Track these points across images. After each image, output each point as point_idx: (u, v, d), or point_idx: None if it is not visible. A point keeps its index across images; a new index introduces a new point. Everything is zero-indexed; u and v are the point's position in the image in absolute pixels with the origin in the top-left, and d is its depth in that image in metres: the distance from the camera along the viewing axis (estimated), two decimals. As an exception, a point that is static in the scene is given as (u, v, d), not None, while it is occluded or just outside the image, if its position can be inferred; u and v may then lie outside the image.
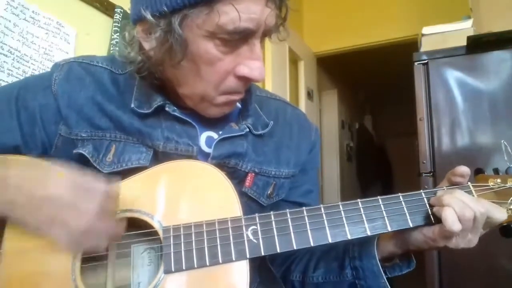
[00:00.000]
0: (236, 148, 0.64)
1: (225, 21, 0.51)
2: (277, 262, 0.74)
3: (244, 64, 0.56)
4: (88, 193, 0.50)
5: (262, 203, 0.67)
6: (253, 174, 0.66)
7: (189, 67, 0.56)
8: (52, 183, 0.50)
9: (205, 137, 0.66)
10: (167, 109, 0.62)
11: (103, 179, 0.52)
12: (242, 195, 0.64)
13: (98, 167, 0.60)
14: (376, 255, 0.61)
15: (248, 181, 0.65)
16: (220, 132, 0.65)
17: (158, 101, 0.62)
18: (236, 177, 0.64)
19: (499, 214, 0.57)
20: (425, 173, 1.60)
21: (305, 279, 0.70)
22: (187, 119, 0.62)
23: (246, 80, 0.58)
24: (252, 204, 0.66)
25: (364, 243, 0.64)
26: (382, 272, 0.61)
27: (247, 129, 0.66)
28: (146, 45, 0.58)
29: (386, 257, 0.64)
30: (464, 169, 0.61)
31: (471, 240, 0.57)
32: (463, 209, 0.54)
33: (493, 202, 0.58)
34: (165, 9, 0.52)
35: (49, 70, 0.68)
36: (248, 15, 0.51)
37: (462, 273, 1.46)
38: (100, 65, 0.67)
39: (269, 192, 0.68)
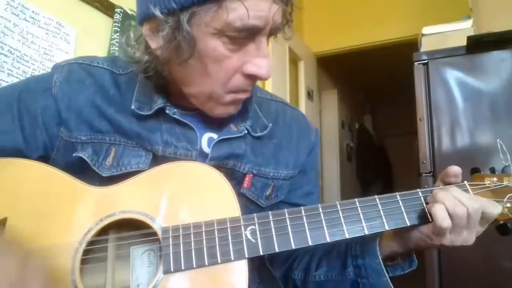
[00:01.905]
0: (234, 149, 0.64)
1: (233, 18, 0.51)
2: (278, 260, 0.74)
3: (251, 62, 0.56)
4: None
5: (261, 204, 0.67)
6: (251, 175, 0.66)
7: (196, 66, 0.56)
8: None
9: (207, 138, 0.66)
10: (167, 111, 0.62)
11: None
12: (241, 196, 0.64)
13: (97, 170, 0.60)
14: (379, 254, 0.61)
15: (246, 182, 0.65)
16: (220, 134, 0.65)
17: (158, 103, 0.62)
18: (234, 178, 0.64)
19: (494, 208, 0.57)
20: (425, 173, 1.60)
21: (307, 277, 0.70)
22: (187, 122, 0.62)
23: (253, 78, 0.58)
24: (250, 206, 0.66)
25: (366, 241, 0.64)
26: (385, 270, 0.61)
27: (246, 131, 0.66)
28: (153, 44, 0.57)
29: (388, 256, 0.64)
30: (456, 169, 0.61)
31: (467, 238, 0.57)
32: (455, 206, 0.55)
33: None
34: (174, 6, 0.52)
35: (49, 70, 0.68)
36: (256, 12, 0.51)
37: (462, 275, 1.46)
38: (101, 65, 0.67)
39: (267, 193, 0.68)
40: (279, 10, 0.54)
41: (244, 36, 0.54)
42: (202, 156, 0.63)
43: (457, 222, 0.55)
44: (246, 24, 0.52)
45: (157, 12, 0.53)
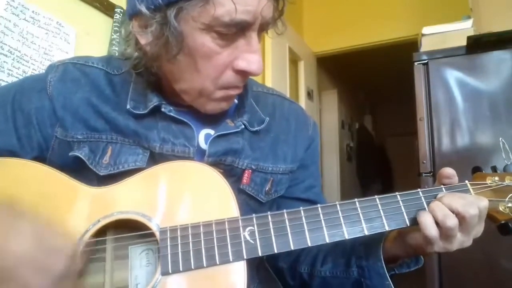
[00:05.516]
0: (231, 145, 0.63)
1: (221, 12, 0.50)
2: (285, 253, 0.74)
3: (241, 58, 0.56)
4: (54, 252, 0.46)
5: (261, 200, 0.67)
6: (250, 171, 0.65)
7: (186, 61, 0.56)
8: (15, 238, 0.45)
9: (204, 134, 0.65)
10: (163, 109, 0.61)
11: (68, 240, 0.49)
12: (240, 192, 0.64)
13: (94, 169, 0.60)
14: (382, 258, 0.61)
15: (246, 178, 0.65)
16: (217, 129, 0.64)
17: (154, 101, 0.62)
18: (233, 174, 0.64)
19: (483, 203, 0.55)
20: (425, 173, 1.60)
21: (313, 272, 0.70)
22: (183, 119, 0.62)
23: (244, 74, 0.58)
24: (250, 202, 0.66)
25: (370, 243, 0.63)
26: (387, 274, 0.61)
27: (243, 126, 0.65)
28: (142, 40, 0.57)
29: (391, 259, 0.63)
30: (450, 171, 0.60)
31: (464, 243, 0.56)
32: (445, 217, 0.53)
33: (490, 200, 0.57)
34: (160, 2, 0.51)
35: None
36: (244, 7, 0.51)
37: (462, 274, 1.46)
38: (96, 65, 0.66)
39: (267, 188, 0.68)
40: (268, 4, 0.54)
41: (234, 31, 0.53)
42: (200, 153, 0.63)
43: (448, 233, 0.54)
44: (235, 19, 0.51)
45: (144, 9, 0.53)
